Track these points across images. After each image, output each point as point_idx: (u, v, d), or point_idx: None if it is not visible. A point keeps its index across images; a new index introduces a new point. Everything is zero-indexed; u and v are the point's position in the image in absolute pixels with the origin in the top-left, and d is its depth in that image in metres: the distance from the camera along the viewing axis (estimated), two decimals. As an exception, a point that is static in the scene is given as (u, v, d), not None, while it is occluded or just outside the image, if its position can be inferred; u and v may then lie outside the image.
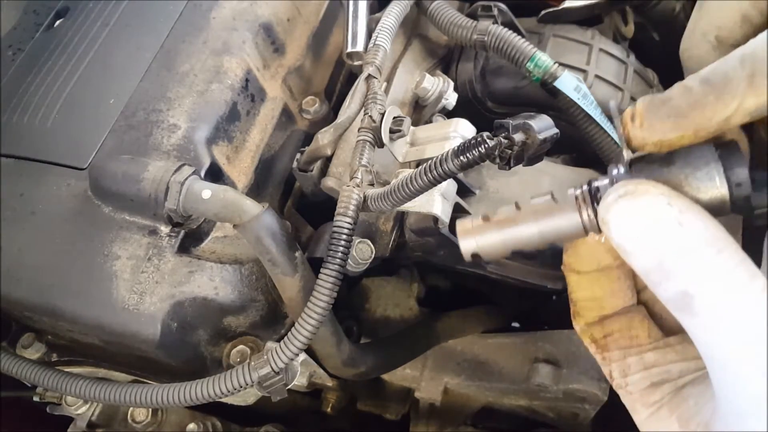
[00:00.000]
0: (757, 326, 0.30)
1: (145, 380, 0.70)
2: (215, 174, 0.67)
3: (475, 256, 0.42)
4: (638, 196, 0.34)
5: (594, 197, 0.38)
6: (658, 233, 0.33)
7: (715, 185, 0.35)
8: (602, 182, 0.39)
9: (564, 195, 0.40)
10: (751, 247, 0.45)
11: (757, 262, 0.33)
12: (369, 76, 0.65)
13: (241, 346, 0.66)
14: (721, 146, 0.36)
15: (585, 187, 0.39)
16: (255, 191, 0.71)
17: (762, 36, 0.34)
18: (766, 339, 0.30)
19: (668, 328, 0.42)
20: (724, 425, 0.33)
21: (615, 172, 0.39)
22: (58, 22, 0.83)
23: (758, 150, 0.44)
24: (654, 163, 0.37)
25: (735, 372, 0.31)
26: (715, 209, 0.35)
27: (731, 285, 0.31)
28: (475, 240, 0.42)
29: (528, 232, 0.40)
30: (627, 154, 0.38)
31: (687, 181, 0.36)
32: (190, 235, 0.66)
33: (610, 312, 0.42)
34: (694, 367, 0.40)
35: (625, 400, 0.42)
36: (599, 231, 0.38)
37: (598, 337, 0.42)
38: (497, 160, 0.45)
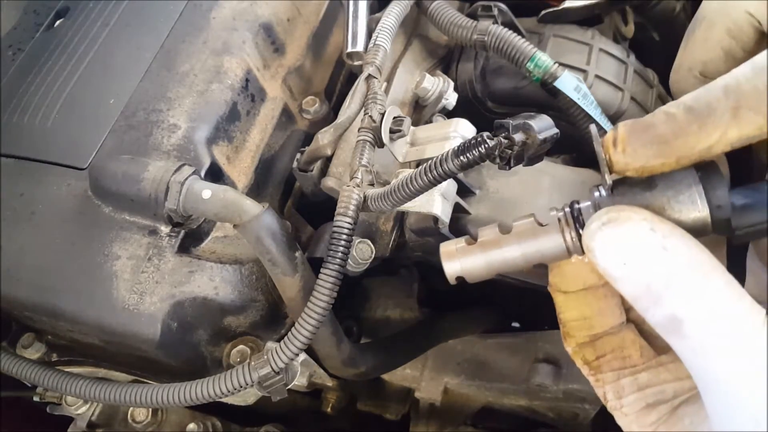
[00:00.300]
0: (748, 346, 0.30)
1: (145, 380, 0.70)
2: (215, 174, 0.67)
3: (460, 279, 0.43)
4: (621, 223, 0.35)
5: (576, 219, 0.39)
6: (643, 259, 0.33)
7: (697, 208, 0.36)
8: (584, 204, 0.40)
9: (547, 216, 0.41)
10: (735, 264, 0.45)
11: (741, 279, 0.34)
12: (369, 76, 0.65)
13: (241, 346, 0.66)
14: (701, 168, 0.37)
15: (567, 210, 0.40)
16: (255, 191, 0.71)
17: (745, 67, 0.34)
18: (760, 358, 0.30)
19: (659, 347, 0.42)
20: None
21: (597, 194, 0.39)
22: (58, 22, 0.83)
23: (758, 172, 0.44)
24: (636, 186, 0.38)
25: (730, 393, 0.31)
26: (697, 231, 0.36)
27: (719, 307, 0.31)
28: (459, 263, 0.43)
29: (512, 254, 0.41)
30: (608, 178, 0.39)
31: (669, 204, 0.37)
32: (190, 235, 0.66)
33: (600, 331, 0.41)
34: (688, 386, 0.40)
35: (621, 422, 0.41)
36: (582, 252, 0.38)
37: (591, 359, 0.42)
38: (497, 160, 0.45)
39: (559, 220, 0.40)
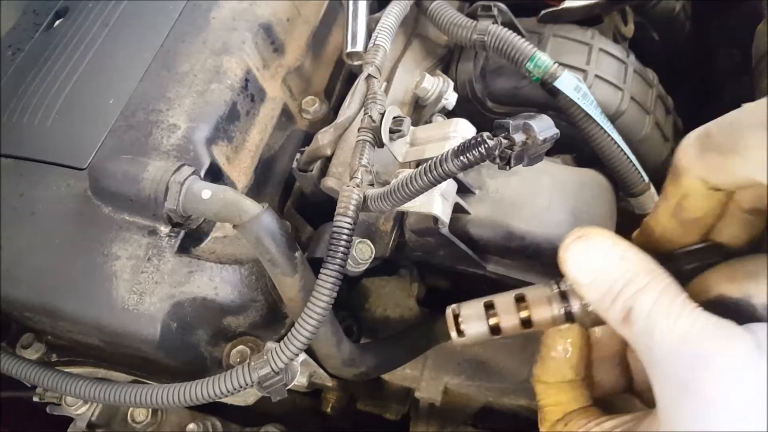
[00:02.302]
0: (681, 330, 0.37)
1: (144, 380, 0.70)
2: (215, 174, 0.67)
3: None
4: (590, 238, 0.41)
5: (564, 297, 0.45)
6: (606, 266, 0.40)
7: None
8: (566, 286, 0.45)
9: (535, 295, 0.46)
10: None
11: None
12: (369, 76, 0.65)
13: (241, 346, 0.66)
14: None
15: (556, 289, 0.45)
16: (255, 191, 0.71)
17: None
18: (693, 335, 0.36)
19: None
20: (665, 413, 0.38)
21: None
22: (57, 22, 0.83)
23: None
24: None
25: (671, 373, 0.37)
26: None
27: (661, 299, 0.38)
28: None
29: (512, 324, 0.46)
30: None
31: None
32: (190, 236, 0.65)
33: (571, 411, 0.48)
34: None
35: None
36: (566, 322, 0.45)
37: (560, 429, 0.48)
38: (497, 160, 0.45)
39: (549, 298, 0.45)
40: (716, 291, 0.40)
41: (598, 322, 0.43)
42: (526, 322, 0.45)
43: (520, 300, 0.46)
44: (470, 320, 0.47)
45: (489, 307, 0.46)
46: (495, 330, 0.46)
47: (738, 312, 0.38)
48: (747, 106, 0.35)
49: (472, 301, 0.48)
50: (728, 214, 0.41)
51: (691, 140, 0.38)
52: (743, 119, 0.35)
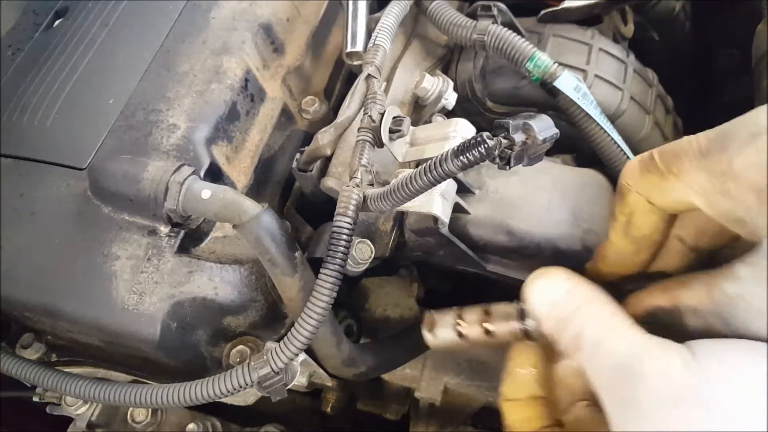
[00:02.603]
0: (620, 351, 0.40)
1: (144, 380, 0.70)
2: (215, 174, 0.67)
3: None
4: (548, 275, 0.46)
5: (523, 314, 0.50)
6: (558, 299, 0.45)
7: None
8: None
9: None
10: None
11: None
12: (368, 76, 0.65)
13: (240, 346, 0.66)
14: None
15: (518, 307, 0.50)
16: (255, 191, 0.71)
17: None
18: (631, 355, 0.39)
19: None
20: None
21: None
22: (57, 22, 0.83)
23: None
24: None
25: (611, 383, 0.40)
26: None
27: (605, 323, 0.42)
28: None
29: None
30: None
31: None
32: (190, 236, 0.65)
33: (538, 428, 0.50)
34: None
35: None
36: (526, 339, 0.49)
37: None
38: (497, 160, 0.45)
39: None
40: (649, 303, 0.45)
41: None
42: (488, 333, 0.51)
43: (486, 313, 0.52)
44: (442, 326, 0.53)
45: (459, 316, 0.53)
46: (461, 336, 0.52)
47: (671, 323, 0.42)
48: (689, 137, 0.38)
49: (449, 309, 0.55)
50: (672, 248, 0.46)
51: (636, 161, 0.42)
52: (684, 145, 0.38)
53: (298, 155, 0.67)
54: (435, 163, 0.47)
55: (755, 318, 0.37)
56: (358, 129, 0.61)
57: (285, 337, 0.56)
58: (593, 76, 0.74)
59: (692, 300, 0.41)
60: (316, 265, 0.57)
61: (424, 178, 0.48)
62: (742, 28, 0.84)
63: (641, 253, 0.47)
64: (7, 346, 0.72)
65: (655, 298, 0.44)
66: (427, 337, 0.54)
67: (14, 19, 0.86)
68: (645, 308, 0.45)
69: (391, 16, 0.70)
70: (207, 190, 0.58)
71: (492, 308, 0.52)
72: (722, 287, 0.39)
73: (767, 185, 0.33)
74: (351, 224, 0.55)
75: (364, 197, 0.56)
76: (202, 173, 0.64)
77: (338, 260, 0.55)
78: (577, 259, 0.59)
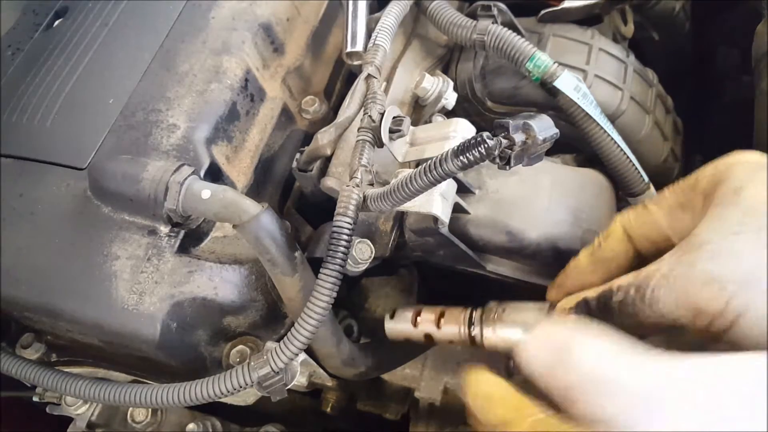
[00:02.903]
0: (622, 398, 0.37)
1: (144, 380, 0.70)
2: (215, 174, 0.67)
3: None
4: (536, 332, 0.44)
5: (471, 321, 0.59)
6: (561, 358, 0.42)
7: None
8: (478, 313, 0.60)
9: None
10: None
11: None
12: (368, 76, 0.65)
13: (240, 346, 0.66)
14: None
15: (469, 314, 0.59)
16: (255, 191, 0.71)
17: None
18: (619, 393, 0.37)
19: None
20: None
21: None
22: (57, 22, 0.83)
23: None
24: None
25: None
26: None
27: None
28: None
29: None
30: None
31: None
32: (190, 235, 0.65)
33: None
34: None
35: None
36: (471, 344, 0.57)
37: None
38: (497, 160, 0.45)
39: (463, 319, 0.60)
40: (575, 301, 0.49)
41: (496, 348, 0.56)
42: (438, 329, 0.60)
43: (441, 315, 0.61)
44: (401, 316, 0.64)
45: (418, 312, 0.63)
46: (415, 326, 0.63)
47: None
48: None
49: (414, 306, 0.64)
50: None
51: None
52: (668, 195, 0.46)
53: (298, 155, 0.67)
54: (435, 163, 0.47)
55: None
56: (358, 129, 0.61)
57: (285, 337, 0.56)
58: (593, 76, 0.74)
59: (621, 281, 0.45)
60: (316, 265, 0.57)
61: (424, 178, 0.48)
62: (742, 28, 0.84)
63: (596, 273, 0.50)
64: (7, 346, 0.72)
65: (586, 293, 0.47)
66: (387, 322, 0.63)
67: (14, 19, 0.86)
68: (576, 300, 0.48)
69: (391, 16, 0.70)
70: (207, 190, 0.58)
71: (447, 311, 0.61)
72: (647, 268, 0.44)
73: None
74: (351, 224, 0.55)
75: (364, 197, 0.56)
76: (202, 173, 0.64)
77: (338, 260, 0.55)
78: (577, 259, 0.59)
